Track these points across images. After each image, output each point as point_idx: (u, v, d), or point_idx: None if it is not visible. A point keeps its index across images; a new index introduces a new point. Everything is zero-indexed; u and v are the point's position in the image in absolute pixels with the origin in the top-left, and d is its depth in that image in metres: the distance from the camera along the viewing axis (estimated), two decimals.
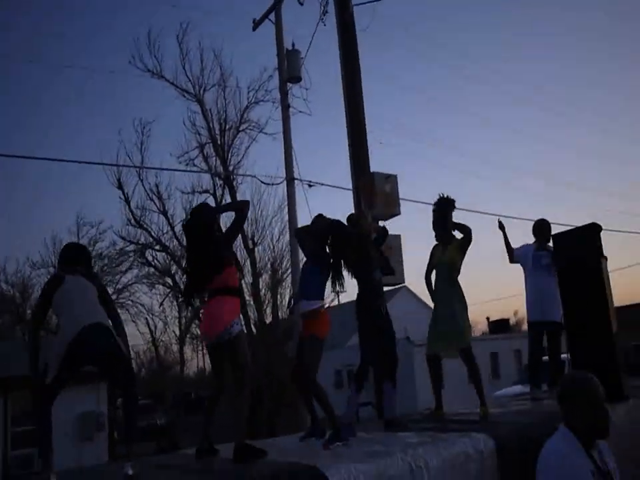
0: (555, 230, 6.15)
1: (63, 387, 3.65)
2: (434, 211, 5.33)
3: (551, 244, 5.92)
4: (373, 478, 3.01)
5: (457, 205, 5.35)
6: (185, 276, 4.07)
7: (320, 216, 4.59)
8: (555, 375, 6.36)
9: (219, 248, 3.80)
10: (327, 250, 4.47)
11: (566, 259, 5.50)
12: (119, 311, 4.34)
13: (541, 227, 6.16)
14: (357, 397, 4.65)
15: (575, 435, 2.61)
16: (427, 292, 5.41)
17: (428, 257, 5.43)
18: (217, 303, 3.71)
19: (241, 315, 3.90)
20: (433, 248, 5.41)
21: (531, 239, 6.25)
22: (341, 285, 4.52)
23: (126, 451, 3.66)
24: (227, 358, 3.79)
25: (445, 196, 5.30)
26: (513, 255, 6.19)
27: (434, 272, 5.35)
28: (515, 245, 6.26)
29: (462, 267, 5.24)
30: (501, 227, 6.19)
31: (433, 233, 5.36)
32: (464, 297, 5.17)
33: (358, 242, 4.59)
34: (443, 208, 5.28)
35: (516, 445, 3.71)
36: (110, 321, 3.84)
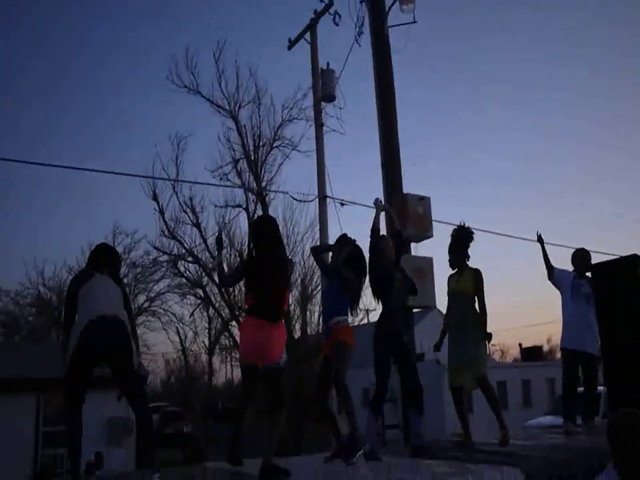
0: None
1: (86, 384, 3.67)
2: (452, 236, 5.32)
3: (589, 274, 5.79)
4: None
5: (485, 230, 5.34)
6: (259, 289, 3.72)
7: (344, 236, 4.68)
8: (589, 408, 6.18)
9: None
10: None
11: (605, 290, 5.37)
12: (150, 318, 4.41)
13: (581, 256, 6.04)
14: (374, 426, 4.65)
15: (620, 476, 2.53)
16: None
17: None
18: (278, 332, 3.65)
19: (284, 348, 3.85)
20: (448, 277, 5.38)
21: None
22: (358, 306, 4.60)
23: (149, 460, 3.69)
24: (268, 383, 3.73)
25: (465, 226, 5.30)
26: (553, 274, 6.05)
27: (450, 300, 5.30)
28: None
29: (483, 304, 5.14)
30: (540, 240, 6.09)
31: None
32: (479, 326, 5.06)
33: (378, 263, 4.62)
34: (461, 237, 5.27)
35: None
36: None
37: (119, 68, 47.82)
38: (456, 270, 5.32)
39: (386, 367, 4.62)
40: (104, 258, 4.14)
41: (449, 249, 5.32)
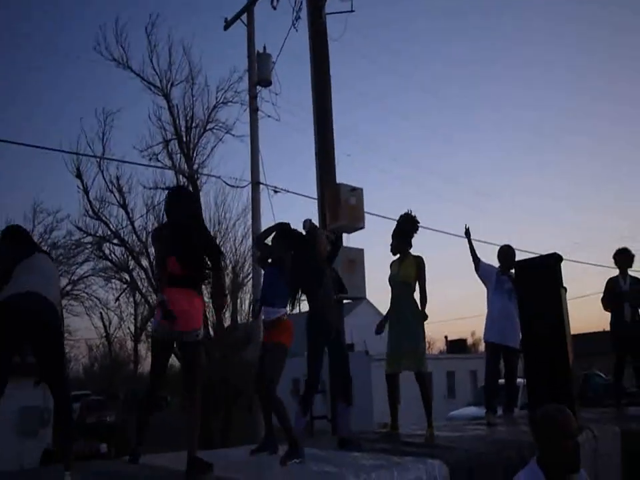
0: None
1: (6, 369, 3.28)
2: (398, 223, 5.34)
3: (512, 271, 5.97)
4: None
5: (420, 223, 5.36)
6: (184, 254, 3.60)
7: (282, 223, 4.50)
8: (509, 399, 6.40)
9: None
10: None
11: (527, 286, 5.54)
12: (73, 303, 4.14)
13: (506, 253, 6.20)
14: (302, 420, 4.58)
15: (543, 471, 2.57)
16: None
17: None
18: (196, 301, 3.58)
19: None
20: (391, 264, 5.40)
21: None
22: (297, 299, 4.48)
23: (65, 455, 3.43)
24: (186, 357, 3.63)
25: (412, 214, 5.31)
26: (479, 267, 6.19)
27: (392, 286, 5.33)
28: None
29: (424, 291, 5.19)
30: (467, 234, 6.20)
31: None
32: (420, 315, 5.13)
33: (311, 257, 4.49)
34: (406, 224, 5.29)
35: (470, 473, 3.68)
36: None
37: (43, 34, 45.16)
38: (398, 256, 5.34)
39: (318, 359, 4.56)
40: (29, 238, 3.87)
41: (393, 235, 5.32)
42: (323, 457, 4.01)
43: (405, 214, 5.33)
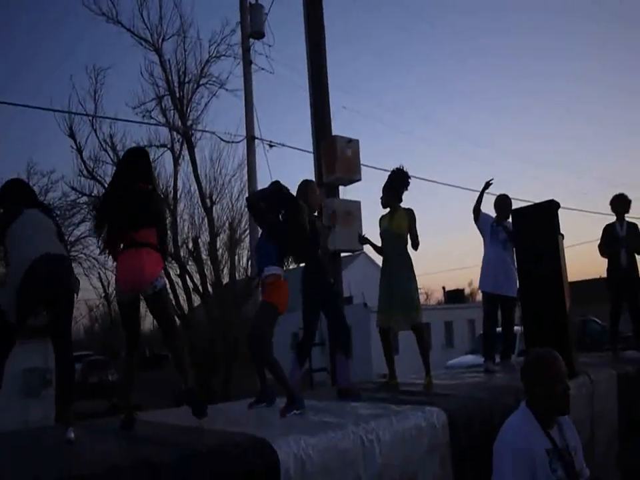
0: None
1: (18, 333, 3.38)
2: (389, 177, 5.27)
3: (509, 220, 5.92)
4: (323, 451, 2.91)
5: (413, 176, 5.32)
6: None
7: (276, 182, 4.35)
8: (507, 347, 6.45)
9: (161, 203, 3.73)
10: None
11: (524, 234, 5.49)
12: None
13: (502, 202, 6.19)
14: (298, 371, 4.62)
15: (534, 414, 2.59)
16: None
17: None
18: (147, 256, 3.55)
19: (163, 272, 3.72)
20: (380, 218, 5.36)
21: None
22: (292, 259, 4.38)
23: (64, 413, 3.44)
24: (154, 310, 3.66)
25: (403, 169, 5.24)
26: (479, 217, 6.18)
27: (383, 240, 5.31)
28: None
29: (416, 238, 5.18)
30: (487, 185, 6.04)
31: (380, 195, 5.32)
32: (413, 269, 5.13)
33: (302, 216, 4.35)
34: (398, 179, 5.23)
35: (467, 418, 3.70)
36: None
37: None
38: (388, 210, 5.30)
39: (314, 312, 4.59)
40: (23, 192, 3.76)
41: (383, 189, 5.28)
42: (323, 408, 4.04)
43: (396, 168, 5.27)
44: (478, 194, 6.15)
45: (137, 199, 3.61)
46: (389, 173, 5.38)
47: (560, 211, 5.43)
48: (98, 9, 17.04)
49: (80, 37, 47.46)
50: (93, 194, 18.61)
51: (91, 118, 17.48)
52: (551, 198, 5.43)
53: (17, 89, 41.23)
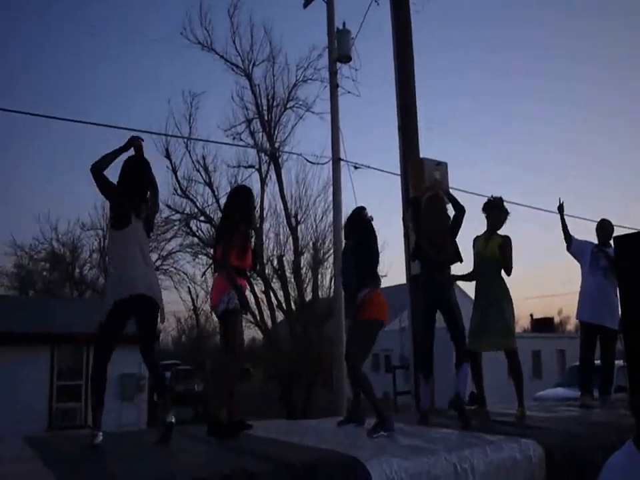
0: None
1: (119, 335, 3.66)
2: (497, 202, 5.23)
3: (611, 247, 5.66)
4: (416, 475, 2.88)
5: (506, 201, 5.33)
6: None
7: (361, 208, 4.48)
8: (606, 382, 6.08)
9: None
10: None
11: (628, 262, 5.21)
12: (162, 277, 4.43)
13: (604, 228, 5.96)
14: (427, 388, 4.71)
15: None
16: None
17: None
18: (215, 281, 4.04)
19: (231, 292, 3.81)
20: (475, 239, 5.28)
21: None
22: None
23: (163, 401, 3.76)
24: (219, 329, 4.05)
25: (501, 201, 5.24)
26: (571, 244, 5.97)
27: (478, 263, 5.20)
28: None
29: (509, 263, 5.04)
30: (561, 208, 5.98)
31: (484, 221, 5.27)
32: (509, 294, 5.03)
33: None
34: (501, 207, 5.20)
35: (566, 454, 3.53)
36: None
37: (130, 18, 46.83)
38: (484, 233, 5.23)
39: (428, 324, 4.62)
40: (138, 179, 3.79)
41: (491, 210, 5.20)
42: (411, 432, 3.99)
43: (500, 198, 5.25)
44: (560, 221, 5.97)
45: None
46: (483, 197, 5.35)
47: None
48: (195, 38, 18.01)
49: (176, 63, 50.18)
50: (185, 211, 19.53)
51: (185, 140, 18.40)
52: None
53: (115, 111, 44.08)
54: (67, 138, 48.72)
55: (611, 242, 5.77)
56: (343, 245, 4.70)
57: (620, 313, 5.46)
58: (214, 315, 4.00)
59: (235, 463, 2.76)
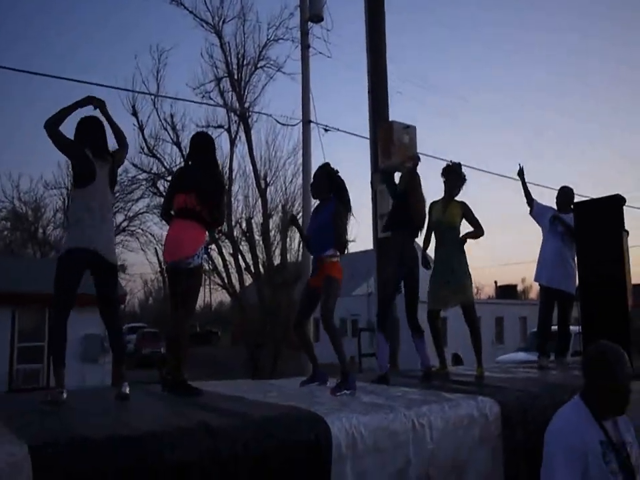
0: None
1: (76, 289, 3.52)
2: (453, 167, 5.28)
3: (571, 214, 5.76)
4: (375, 431, 2.94)
5: (465, 165, 5.44)
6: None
7: (326, 165, 4.48)
8: (562, 345, 6.28)
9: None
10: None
11: (586, 229, 5.32)
12: (129, 238, 4.31)
13: (565, 195, 6.02)
14: (387, 346, 4.88)
15: (589, 407, 2.53)
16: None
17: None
18: (191, 231, 3.73)
19: (202, 248, 3.79)
20: (431, 205, 5.29)
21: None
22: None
23: (118, 370, 3.67)
24: (178, 283, 3.79)
25: (460, 167, 5.28)
26: (533, 207, 6.07)
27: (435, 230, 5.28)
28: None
29: (479, 226, 5.19)
30: (521, 173, 6.03)
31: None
32: (466, 255, 5.13)
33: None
34: (459, 174, 5.25)
35: (521, 412, 3.64)
36: None
37: None
38: (441, 199, 5.27)
39: (396, 283, 4.78)
40: (97, 135, 3.70)
41: (450, 176, 5.24)
42: (372, 390, 4.07)
43: (458, 163, 5.30)
44: (521, 185, 6.08)
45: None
46: (446, 161, 5.39)
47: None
48: None
49: (143, 16, 48.49)
50: (152, 171, 19.17)
51: (153, 97, 17.94)
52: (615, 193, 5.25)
53: (78, 66, 42.60)
54: (30, 93, 47.00)
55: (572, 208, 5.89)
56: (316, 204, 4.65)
57: (577, 278, 5.61)
58: (175, 267, 3.75)
59: (196, 417, 2.77)
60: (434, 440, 3.14)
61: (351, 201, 4.35)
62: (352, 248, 20.24)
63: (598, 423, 2.52)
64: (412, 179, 4.84)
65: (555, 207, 6.02)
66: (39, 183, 26.35)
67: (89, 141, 3.63)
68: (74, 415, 3.10)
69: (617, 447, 2.49)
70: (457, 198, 5.25)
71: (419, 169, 4.94)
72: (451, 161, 5.33)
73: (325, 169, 4.44)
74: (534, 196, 6.13)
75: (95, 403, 3.67)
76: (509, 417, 3.53)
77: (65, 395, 3.31)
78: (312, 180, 4.51)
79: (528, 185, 6.12)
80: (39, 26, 46.33)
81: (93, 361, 12.18)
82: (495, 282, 32.74)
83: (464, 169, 5.34)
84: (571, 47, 66.36)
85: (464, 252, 5.14)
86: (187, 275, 3.73)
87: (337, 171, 4.39)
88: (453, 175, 5.23)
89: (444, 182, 5.27)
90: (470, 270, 5.14)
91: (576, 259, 5.55)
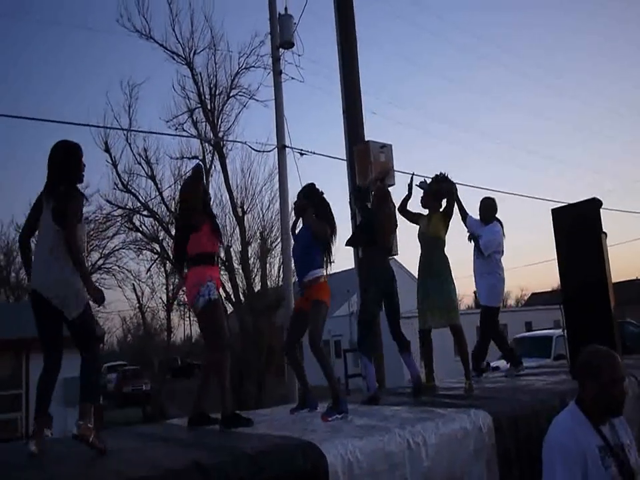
0: (551, 205, 6.14)
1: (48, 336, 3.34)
2: (435, 180, 5.35)
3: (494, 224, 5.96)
4: (370, 454, 2.89)
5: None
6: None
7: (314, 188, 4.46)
8: (478, 355, 6.23)
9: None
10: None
11: (565, 234, 5.39)
12: (105, 276, 4.20)
13: (485, 207, 6.09)
14: (372, 368, 4.91)
15: (585, 412, 2.53)
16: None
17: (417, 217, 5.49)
18: (188, 275, 3.89)
19: (209, 283, 3.75)
20: (420, 218, 5.41)
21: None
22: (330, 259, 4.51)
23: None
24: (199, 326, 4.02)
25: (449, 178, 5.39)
26: (467, 220, 6.08)
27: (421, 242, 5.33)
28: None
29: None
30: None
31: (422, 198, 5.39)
32: (451, 271, 5.15)
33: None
34: (445, 187, 5.31)
35: (513, 421, 3.64)
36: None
37: (66, 9, 44.66)
38: (427, 212, 5.36)
39: (379, 304, 4.80)
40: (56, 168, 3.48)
41: (427, 190, 5.32)
42: (364, 412, 4.02)
43: (442, 174, 5.37)
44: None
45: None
46: (425, 177, 5.46)
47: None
48: (132, 26, 17.41)
49: (114, 52, 48.47)
50: (127, 206, 18.96)
51: (125, 132, 17.83)
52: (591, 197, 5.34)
53: (50, 105, 42.28)
54: (1, 133, 46.33)
55: (496, 219, 6.03)
56: (297, 226, 4.62)
57: (501, 289, 5.97)
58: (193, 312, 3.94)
59: (187, 457, 2.69)
60: (429, 457, 3.12)
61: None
62: (332, 268, 20.22)
63: (595, 428, 2.51)
64: (378, 196, 4.92)
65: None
66: (10, 226, 25.75)
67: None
68: (54, 465, 2.98)
69: (615, 450, 2.48)
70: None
71: (397, 187, 5.02)
72: (440, 173, 5.38)
73: (310, 187, 4.44)
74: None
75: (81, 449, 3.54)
76: (501, 426, 3.53)
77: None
78: (295, 199, 4.50)
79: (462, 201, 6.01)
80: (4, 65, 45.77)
81: (74, 404, 11.81)
82: (475, 292, 33.02)
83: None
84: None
85: (449, 265, 5.15)
86: (199, 315, 3.84)
87: (322, 192, 4.40)
88: (434, 188, 5.30)
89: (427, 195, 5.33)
90: (454, 284, 5.14)
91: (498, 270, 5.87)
